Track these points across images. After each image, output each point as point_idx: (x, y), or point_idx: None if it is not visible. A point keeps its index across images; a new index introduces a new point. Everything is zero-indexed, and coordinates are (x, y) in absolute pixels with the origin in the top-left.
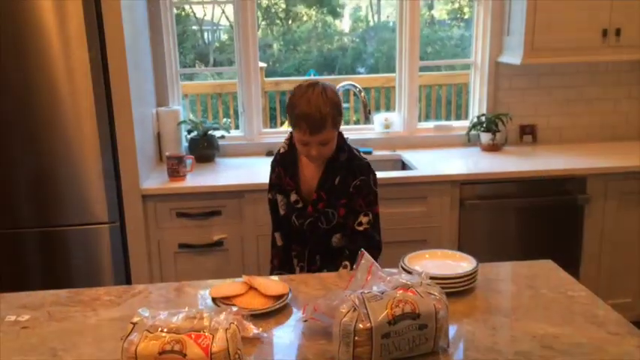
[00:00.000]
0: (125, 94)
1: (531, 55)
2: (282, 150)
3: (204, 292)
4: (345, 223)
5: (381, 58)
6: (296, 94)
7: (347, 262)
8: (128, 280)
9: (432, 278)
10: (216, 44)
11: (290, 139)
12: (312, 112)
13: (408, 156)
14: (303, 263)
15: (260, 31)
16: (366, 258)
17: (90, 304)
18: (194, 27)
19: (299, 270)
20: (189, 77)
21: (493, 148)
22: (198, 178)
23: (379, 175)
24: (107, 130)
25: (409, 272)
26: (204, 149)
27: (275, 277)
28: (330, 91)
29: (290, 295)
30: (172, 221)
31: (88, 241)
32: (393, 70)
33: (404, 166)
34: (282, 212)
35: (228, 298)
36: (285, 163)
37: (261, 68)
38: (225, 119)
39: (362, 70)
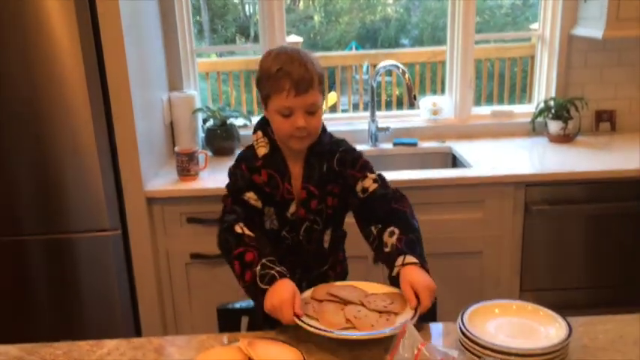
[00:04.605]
0: (122, 77)
1: (615, 27)
2: (262, 151)
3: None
4: (335, 213)
5: (426, 29)
6: (269, 56)
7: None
8: (133, 295)
9: (507, 354)
10: (257, 17)
11: (265, 135)
12: (296, 67)
13: (460, 148)
14: None
15: (301, 2)
16: (410, 332)
17: None
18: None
19: None
20: (232, 52)
21: (564, 139)
22: (213, 177)
23: (424, 173)
24: (103, 120)
25: (473, 345)
26: (223, 141)
27: (288, 346)
28: (310, 52)
29: None
30: (183, 228)
31: (90, 250)
32: (438, 42)
33: (455, 160)
34: (268, 226)
35: None
36: (273, 165)
37: (297, 43)
38: None
39: (406, 42)
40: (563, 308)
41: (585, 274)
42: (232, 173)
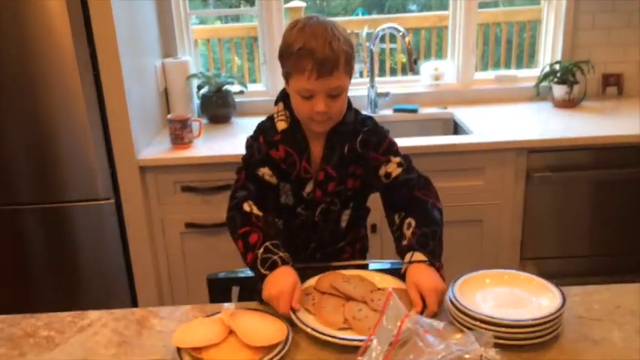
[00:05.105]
0: (111, 43)
1: None
2: (282, 125)
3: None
4: (355, 195)
5: None
6: (293, 28)
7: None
8: (129, 265)
9: (497, 325)
10: None
11: (287, 108)
12: (320, 45)
13: (461, 114)
14: (301, 264)
15: None
16: (394, 303)
17: (20, 343)
18: None
19: None
20: (236, 19)
21: (568, 104)
22: (208, 145)
23: (423, 140)
24: (92, 87)
25: (462, 316)
26: (218, 108)
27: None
28: (340, 26)
29: (288, 343)
30: (177, 197)
31: (84, 219)
32: (446, 7)
33: (456, 127)
34: (283, 201)
35: (198, 349)
36: (292, 142)
37: (300, 8)
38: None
39: (414, 7)
40: (566, 277)
41: (589, 242)
42: (250, 145)
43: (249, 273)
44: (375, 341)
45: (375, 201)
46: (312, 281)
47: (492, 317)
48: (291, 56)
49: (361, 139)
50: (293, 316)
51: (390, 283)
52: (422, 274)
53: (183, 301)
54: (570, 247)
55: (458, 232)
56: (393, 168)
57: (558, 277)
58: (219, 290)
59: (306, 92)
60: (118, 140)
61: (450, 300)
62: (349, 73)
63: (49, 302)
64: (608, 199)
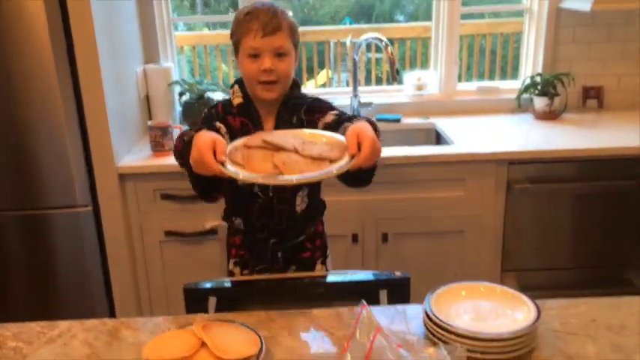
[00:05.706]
0: (91, 48)
1: (605, 0)
2: (237, 101)
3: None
4: None
5: (421, 3)
6: (240, 9)
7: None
8: (106, 273)
9: (471, 339)
10: None
11: (241, 90)
12: (265, 11)
13: (444, 125)
14: (264, 265)
15: None
16: (367, 317)
17: None
18: None
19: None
20: (224, 25)
21: (549, 116)
22: None
23: (404, 150)
24: (71, 91)
25: (438, 329)
26: (200, 115)
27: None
28: (284, 8)
29: (262, 356)
30: (156, 205)
31: (62, 227)
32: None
33: (439, 137)
34: (240, 183)
35: None
36: (246, 114)
37: None
38: None
39: (401, 18)
40: (548, 289)
41: (570, 255)
42: (207, 113)
43: (227, 284)
44: (349, 356)
45: (354, 211)
46: (242, 140)
47: (467, 330)
48: (239, 24)
49: (305, 108)
50: (222, 168)
51: (322, 136)
52: (365, 128)
53: (162, 311)
54: (552, 259)
55: (439, 242)
56: (330, 118)
57: (540, 289)
58: (195, 300)
59: (252, 50)
60: (96, 147)
61: (426, 312)
62: (294, 43)
63: (24, 311)
64: (589, 211)
